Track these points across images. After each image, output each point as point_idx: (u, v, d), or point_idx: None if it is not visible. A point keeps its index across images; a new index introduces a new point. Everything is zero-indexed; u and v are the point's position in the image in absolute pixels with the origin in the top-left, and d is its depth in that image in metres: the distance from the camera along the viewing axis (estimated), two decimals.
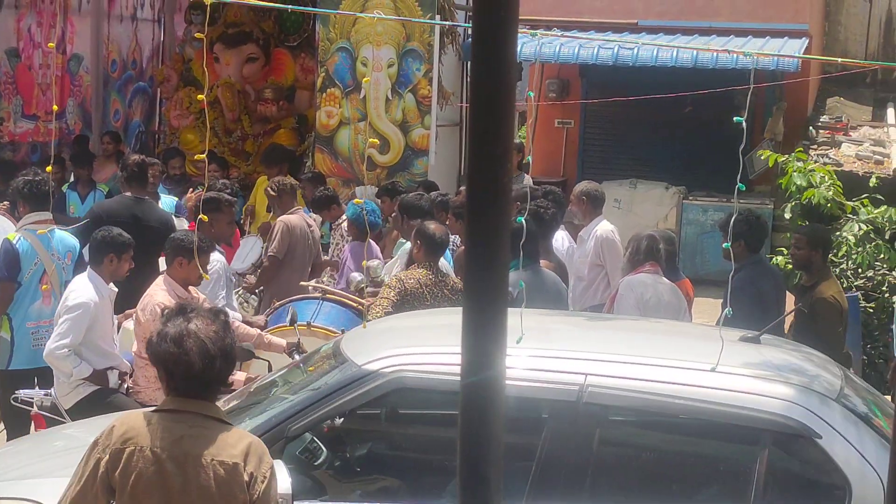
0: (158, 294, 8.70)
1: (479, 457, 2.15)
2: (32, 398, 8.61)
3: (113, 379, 8.77)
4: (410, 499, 6.27)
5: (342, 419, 6.59)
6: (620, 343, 6.95)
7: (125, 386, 8.81)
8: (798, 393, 5.95)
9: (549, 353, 6.34)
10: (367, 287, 10.20)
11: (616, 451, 6.43)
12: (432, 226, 9.34)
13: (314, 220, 12.67)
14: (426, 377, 6.20)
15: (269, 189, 12.65)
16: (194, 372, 4.59)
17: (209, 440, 4.56)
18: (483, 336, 2.14)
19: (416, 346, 6.51)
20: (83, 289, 8.77)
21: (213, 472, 4.50)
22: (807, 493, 6.03)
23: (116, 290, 9.13)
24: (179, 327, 4.64)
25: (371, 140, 13.37)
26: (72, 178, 15.31)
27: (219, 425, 4.63)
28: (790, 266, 15.48)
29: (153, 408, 4.76)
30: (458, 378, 6.51)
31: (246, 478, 4.53)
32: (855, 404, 6.18)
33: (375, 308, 8.78)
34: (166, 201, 13.72)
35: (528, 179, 15.10)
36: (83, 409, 8.43)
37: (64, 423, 8.34)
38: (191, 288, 9.06)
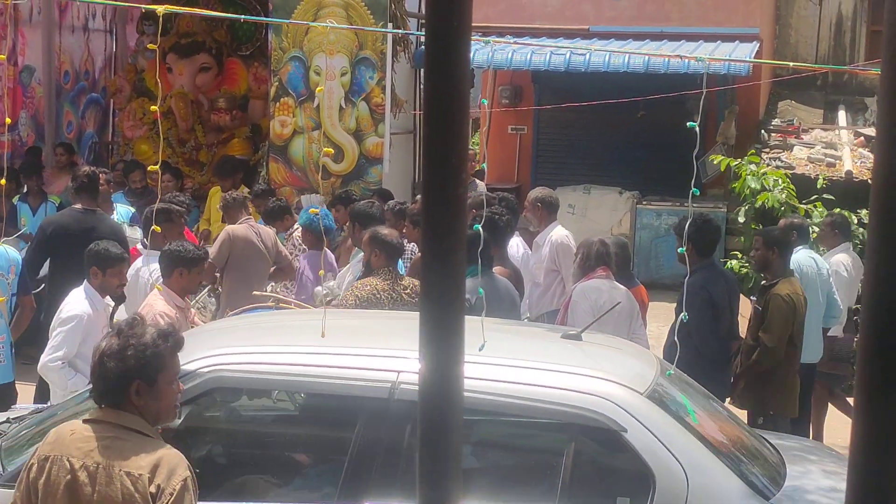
0: (158, 303, 8.69)
1: (438, 466, 2.16)
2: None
3: None
4: (240, 498, 6.33)
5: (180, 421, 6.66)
6: None
7: None
8: (605, 388, 6.10)
9: (363, 352, 6.48)
10: (332, 301, 10.23)
11: None
12: (385, 231, 9.38)
13: (269, 230, 12.67)
14: (244, 376, 6.33)
15: (220, 207, 12.72)
16: (93, 380, 4.74)
17: (120, 451, 4.57)
18: (441, 344, 2.15)
19: (237, 346, 6.60)
20: (77, 301, 8.81)
21: (119, 483, 4.51)
22: (612, 485, 6.19)
23: (112, 303, 9.13)
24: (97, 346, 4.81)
25: (325, 149, 13.37)
26: (24, 190, 15.21)
27: (135, 437, 4.63)
28: (745, 270, 15.62)
29: (84, 417, 4.79)
30: (276, 376, 6.52)
31: (152, 489, 4.50)
32: (665, 398, 6.38)
33: None
34: (122, 210, 13.66)
35: (482, 186, 15.14)
36: None
37: None
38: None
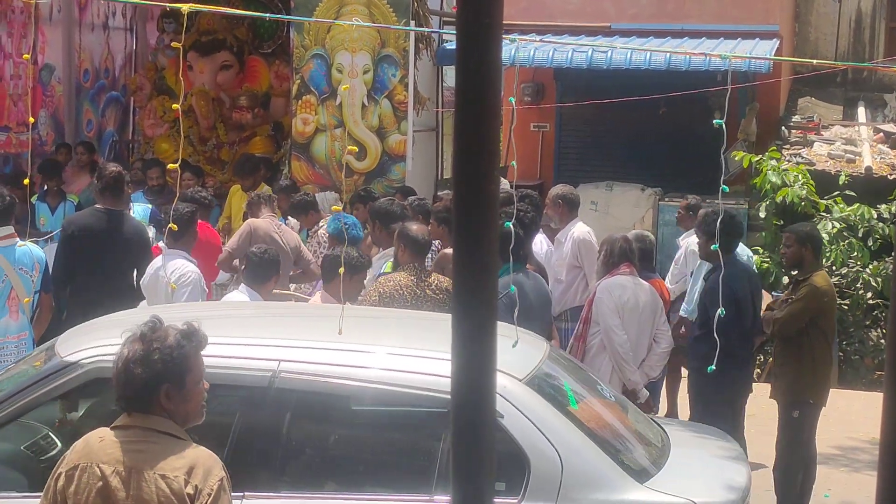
0: None
1: (472, 464, 2.17)
2: None
3: None
4: None
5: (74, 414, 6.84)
6: (319, 330, 7.21)
7: None
8: None
9: (245, 341, 6.60)
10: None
11: (307, 435, 6.65)
12: (414, 227, 9.41)
13: (291, 227, 12.68)
14: None
15: (245, 205, 12.80)
16: (119, 387, 4.69)
17: (154, 454, 4.57)
18: (473, 342, 2.16)
19: (119, 338, 6.68)
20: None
21: (154, 486, 4.51)
22: None
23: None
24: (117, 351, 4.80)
25: (350, 147, 13.35)
26: (44, 189, 15.20)
27: (167, 440, 4.63)
28: (766, 265, 15.62)
29: (111, 425, 4.77)
30: None
31: (189, 491, 4.51)
32: (546, 385, 6.59)
33: None
34: (138, 209, 13.63)
35: (506, 184, 15.13)
36: None
37: None
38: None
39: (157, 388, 4.61)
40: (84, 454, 4.63)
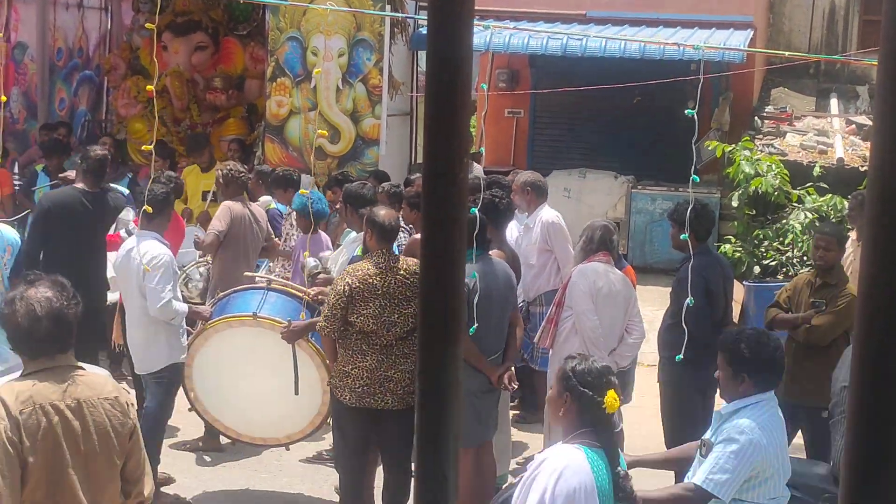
0: None
1: (437, 448, 2.18)
2: None
3: None
4: None
5: None
6: None
7: None
8: None
9: None
10: (320, 273, 10.24)
11: None
12: (382, 212, 9.32)
13: (261, 209, 12.62)
14: None
15: (218, 175, 12.55)
16: (46, 331, 4.86)
17: (86, 383, 4.94)
18: (438, 326, 2.17)
19: None
20: None
21: (102, 408, 4.92)
22: None
23: None
24: (13, 294, 4.98)
25: (320, 131, 13.31)
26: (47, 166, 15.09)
27: (82, 371, 5.01)
28: (738, 254, 15.67)
29: (21, 376, 4.97)
30: None
31: (126, 401, 5.03)
32: None
33: (323, 307, 8.88)
34: None
35: (478, 170, 15.14)
36: None
37: None
38: None
39: (66, 336, 4.94)
40: (25, 399, 4.79)
